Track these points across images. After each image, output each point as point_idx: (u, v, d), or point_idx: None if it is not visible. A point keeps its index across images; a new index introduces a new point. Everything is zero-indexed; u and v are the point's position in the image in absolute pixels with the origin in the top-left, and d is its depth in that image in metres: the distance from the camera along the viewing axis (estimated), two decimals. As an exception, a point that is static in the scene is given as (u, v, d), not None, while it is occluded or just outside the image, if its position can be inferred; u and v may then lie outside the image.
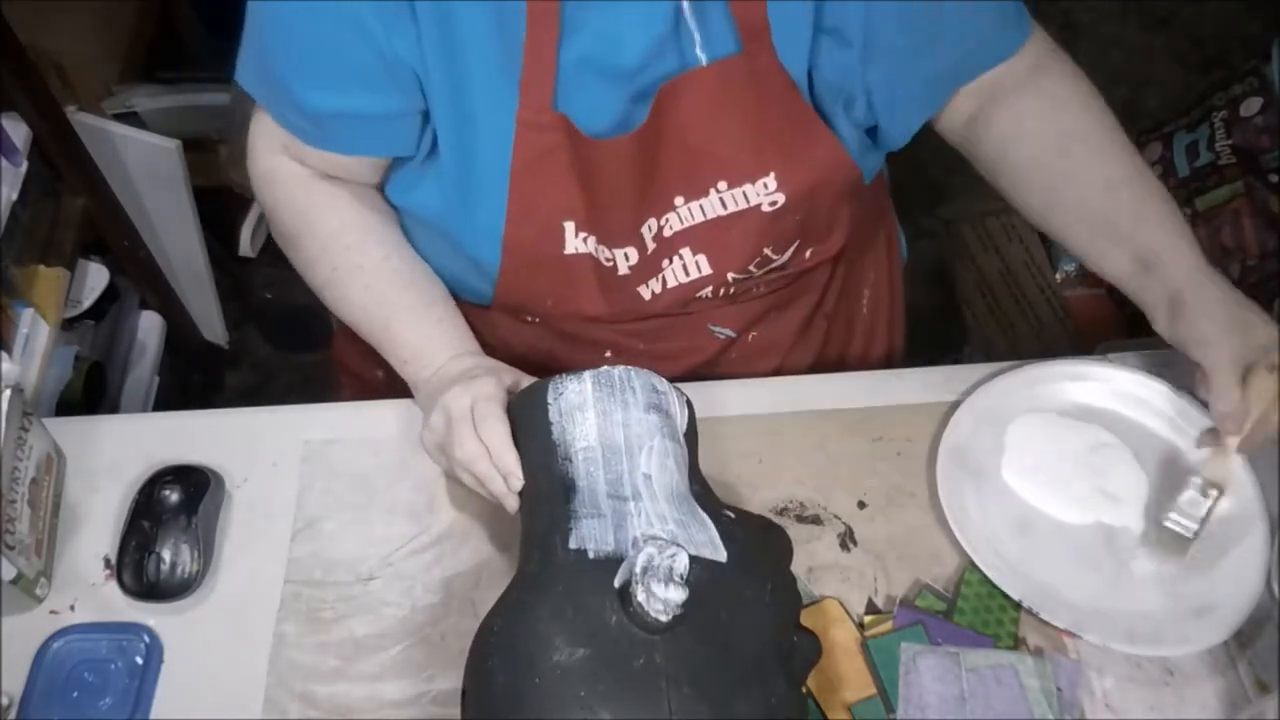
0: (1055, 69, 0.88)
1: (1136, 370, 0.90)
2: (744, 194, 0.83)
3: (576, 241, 0.82)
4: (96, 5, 1.55)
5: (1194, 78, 2.30)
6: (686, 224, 0.85)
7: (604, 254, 0.84)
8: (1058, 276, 1.67)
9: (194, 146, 1.60)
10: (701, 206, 0.84)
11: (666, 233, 0.85)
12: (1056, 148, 0.86)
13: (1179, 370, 0.92)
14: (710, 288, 0.88)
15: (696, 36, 0.76)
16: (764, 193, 0.83)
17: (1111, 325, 1.60)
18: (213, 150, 1.60)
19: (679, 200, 0.83)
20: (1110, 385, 0.90)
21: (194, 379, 1.81)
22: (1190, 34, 2.38)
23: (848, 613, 0.78)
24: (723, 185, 0.82)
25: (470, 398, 0.75)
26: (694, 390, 0.81)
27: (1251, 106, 1.42)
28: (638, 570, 0.62)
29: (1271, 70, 1.40)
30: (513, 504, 0.73)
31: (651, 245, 0.85)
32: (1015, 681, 0.74)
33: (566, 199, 0.80)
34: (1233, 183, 1.44)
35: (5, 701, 0.74)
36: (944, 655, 0.75)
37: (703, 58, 0.77)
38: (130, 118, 1.61)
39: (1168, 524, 0.79)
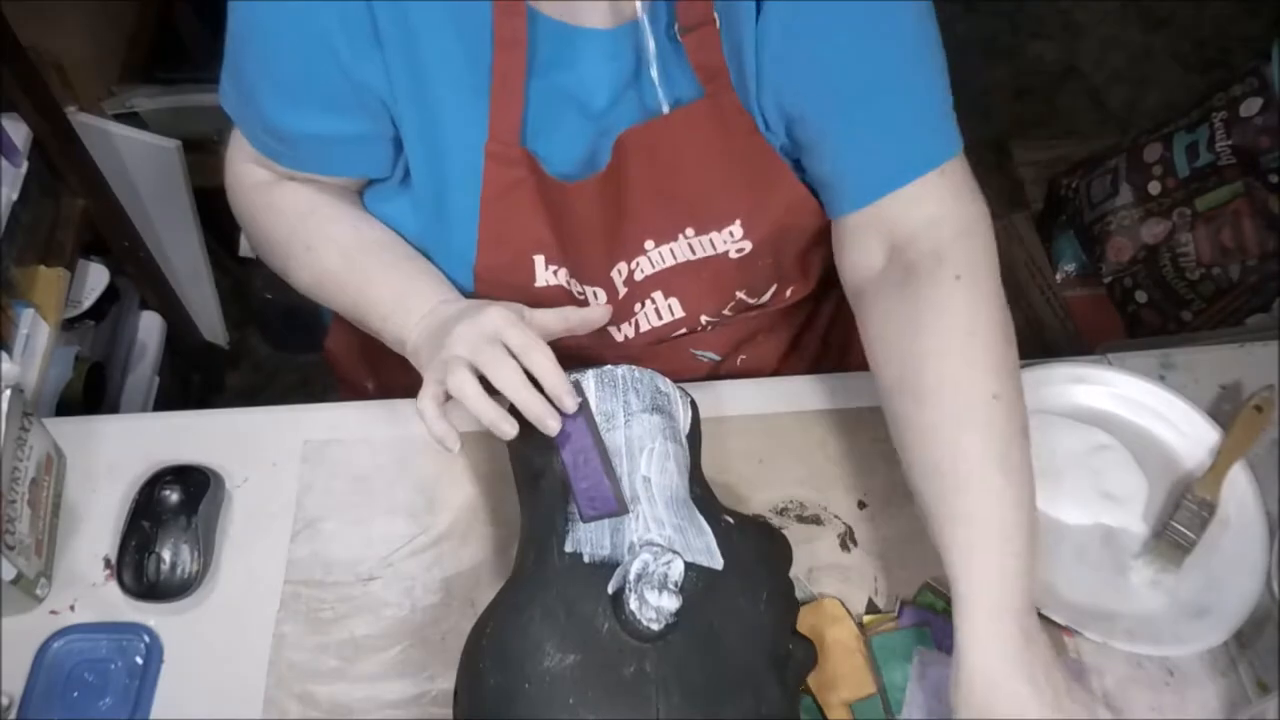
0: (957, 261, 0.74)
1: (1137, 374, 0.90)
2: (710, 241, 0.82)
3: (547, 274, 0.81)
4: (96, 5, 1.55)
5: (1194, 78, 2.30)
6: (658, 268, 0.83)
7: (575, 288, 0.83)
8: (1058, 276, 1.67)
9: (194, 146, 1.60)
10: (672, 250, 0.83)
11: (638, 276, 0.84)
12: (913, 393, 0.73)
13: (1179, 373, 0.92)
14: (685, 329, 0.88)
15: (659, 89, 0.74)
16: (730, 240, 0.81)
17: (1112, 326, 1.60)
18: (213, 150, 1.60)
19: (649, 244, 0.82)
20: (1111, 388, 0.90)
21: (194, 379, 1.81)
22: (1190, 34, 2.38)
23: (848, 611, 0.78)
24: (690, 231, 0.81)
25: (505, 320, 0.71)
26: (694, 390, 0.81)
27: (1251, 107, 1.42)
28: (631, 577, 0.62)
29: (1271, 70, 1.40)
30: (554, 425, 0.70)
31: (623, 289, 0.84)
32: None
33: (535, 233, 0.79)
34: (1233, 183, 1.44)
35: (5, 701, 0.74)
36: (948, 663, 0.75)
37: (665, 107, 0.75)
38: (130, 118, 1.61)
39: (1166, 534, 0.80)
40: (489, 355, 0.70)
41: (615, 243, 0.81)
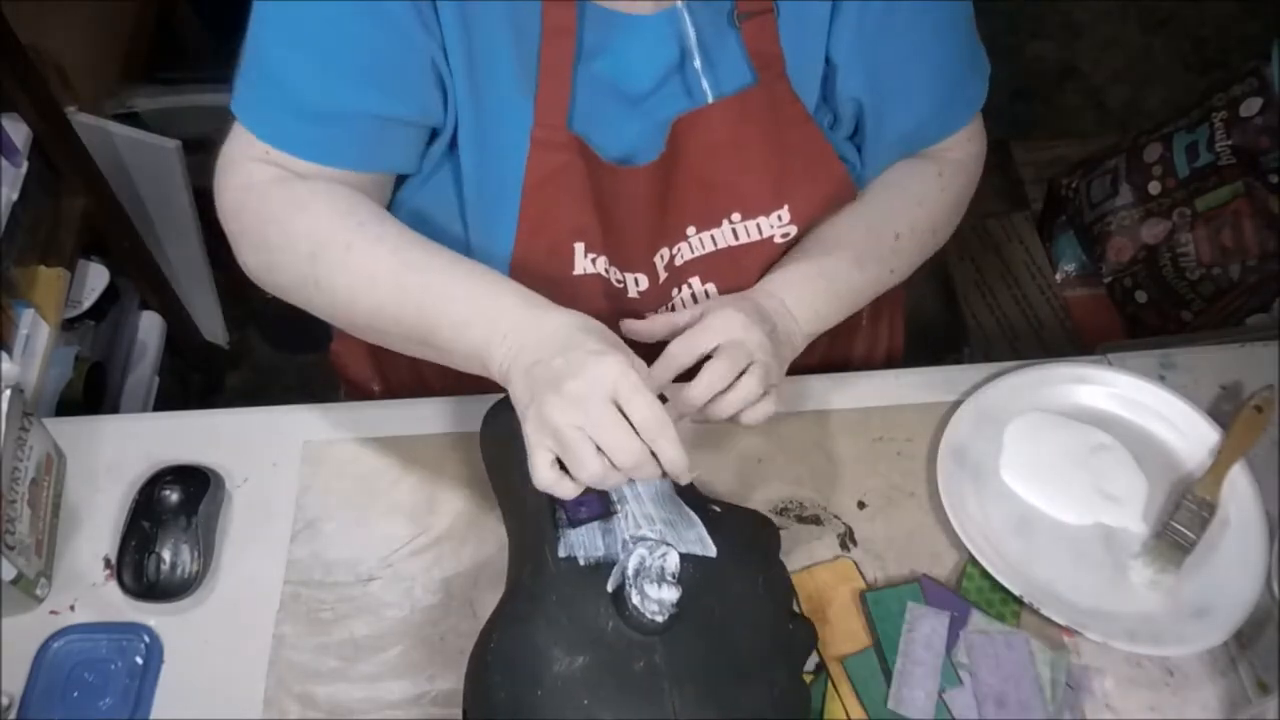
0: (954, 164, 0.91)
1: (1136, 374, 0.90)
2: (757, 226, 0.83)
3: (585, 262, 0.81)
4: (97, 5, 1.55)
5: (1194, 78, 2.30)
6: (697, 253, 0.84)
7: (615, 275, 0.83)
8: (1058, 276, 1.67)
9: (194, 146, 1.60)
10: (713, 236, 0.83)
11: (678, 261, 0.84)
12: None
13: (1179, 373, 0.92)
14: None
15: (704, 79, 0.76)
16: (777, 224, 0.83)
17: (1111, 325, 1.60)
18: (213, 150, 1.60)
19: (691, 230, 0.83)
20: (1110, 388, 0.90)
21: (194, 379, 1.81)
22: (1190, 34, 2.38)
23: (861, 574, 0.80)
24: (736, 216, 0.82)
25: (628, 383, 0.64)
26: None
27: (1251, 106, 1.42)
28: (629, 573, 0.63)
29: (1271, 70, 1.39)
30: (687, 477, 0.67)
31: (663, 274, 0.84)
32: (1025, 648, 0.75)
33: (578, 220, 0.79)
34: (1233, 183, 1.44)
35: (5, 701, 0.74)
36: (948, 619, 0.76)
37: (709, 95, 0.77)
38: (130, 118, 1.61)
39: (1166, 534, 0.80)
40: (611, 434, 0.64)
41: (660, 229, 0.82)
